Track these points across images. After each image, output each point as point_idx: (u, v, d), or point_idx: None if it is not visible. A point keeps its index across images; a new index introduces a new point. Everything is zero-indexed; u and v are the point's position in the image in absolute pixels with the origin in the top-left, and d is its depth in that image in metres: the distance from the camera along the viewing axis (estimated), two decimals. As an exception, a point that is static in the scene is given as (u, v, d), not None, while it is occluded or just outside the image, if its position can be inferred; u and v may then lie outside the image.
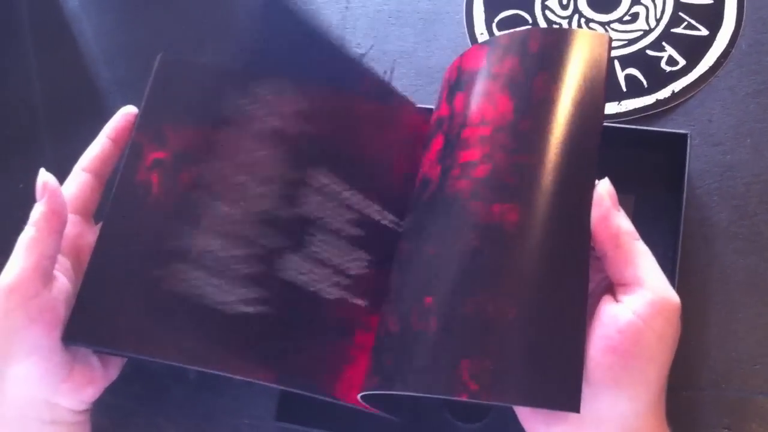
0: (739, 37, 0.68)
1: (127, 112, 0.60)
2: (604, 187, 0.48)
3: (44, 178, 0.53)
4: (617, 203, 0.48)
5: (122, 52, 0.81)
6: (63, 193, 0.54)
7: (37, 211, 0.52)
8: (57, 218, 0.52)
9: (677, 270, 0.58)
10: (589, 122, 0.50)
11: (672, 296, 0.46)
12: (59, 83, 0.81)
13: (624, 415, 0.45)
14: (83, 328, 0.53)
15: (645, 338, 0.44)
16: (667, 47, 0.69)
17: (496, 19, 0.74)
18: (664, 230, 0.62)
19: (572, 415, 0.44)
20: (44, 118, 0.80)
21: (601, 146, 0.65)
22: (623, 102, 0.68)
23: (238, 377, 0.52)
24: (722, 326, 0.61)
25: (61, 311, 0.52)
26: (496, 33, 0.73)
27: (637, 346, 0.44)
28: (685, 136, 0.61)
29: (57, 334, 0.52)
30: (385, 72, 0.74)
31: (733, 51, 0.68)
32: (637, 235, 0.48)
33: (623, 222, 0.47)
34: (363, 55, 0.75)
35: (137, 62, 0.79)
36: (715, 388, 0.59)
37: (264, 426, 0.64)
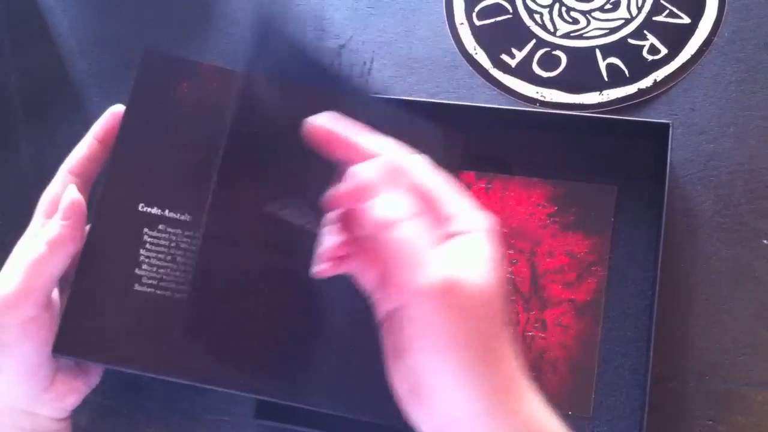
0: (721, 25, 0.68)
1: (115, 112, 0.56)
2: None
3: (74, 197, 0.51)
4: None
5: (99, 44, 0.80)
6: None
7: (54, 231, 0.50)
8: (74, 244, 0.51)
9: (660, 260, 0.58)
10: None
11: (434, 278, 0.39)
12: (35, 75, 0.80)
13: (466, 414, 0.41)
14: (72, 340, 0.51)
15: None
16: (649, 36, 0.68)
17: (476, 9, 0.73)
18: (648, 220, 0.62)
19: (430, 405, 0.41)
20: (20, 111, 0.79)
21: (584, 136, 0.65)
22: (605, 92, 0.67)
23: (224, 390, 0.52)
24: (707, 317, 0.60)
25: (55, 327, 0.51)
26: (476, 23, 0.72)
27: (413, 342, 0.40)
28: (667, 125, 0.60)
29: (48, 349, 0.50)
30: (364, 63, 0.73)
31: (716, 39, 0.67)
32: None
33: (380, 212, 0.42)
34: (342, 46, 0.74)
35: (114, 54, 0.78)
36: (699, 379, 0.59)
37: (244, 424, 0.63)
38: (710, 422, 0.58)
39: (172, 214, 0.55)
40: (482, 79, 0.70)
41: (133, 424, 0.65)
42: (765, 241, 0.61)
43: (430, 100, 0.68)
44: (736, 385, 0.58)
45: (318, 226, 0.48)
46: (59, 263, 0.50)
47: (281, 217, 0.51)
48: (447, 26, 0.73)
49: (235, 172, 0.50)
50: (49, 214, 0.53)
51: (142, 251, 0.54)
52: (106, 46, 0.79)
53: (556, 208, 0.63)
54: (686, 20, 0.68)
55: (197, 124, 0.58)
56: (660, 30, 0.69)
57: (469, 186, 0.65)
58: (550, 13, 0.71)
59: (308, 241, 0.48)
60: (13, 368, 0.50)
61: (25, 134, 0.77)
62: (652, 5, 0.69)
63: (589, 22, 0.70)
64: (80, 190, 0.55)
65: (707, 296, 0.60)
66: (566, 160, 0.65)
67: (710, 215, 0.62)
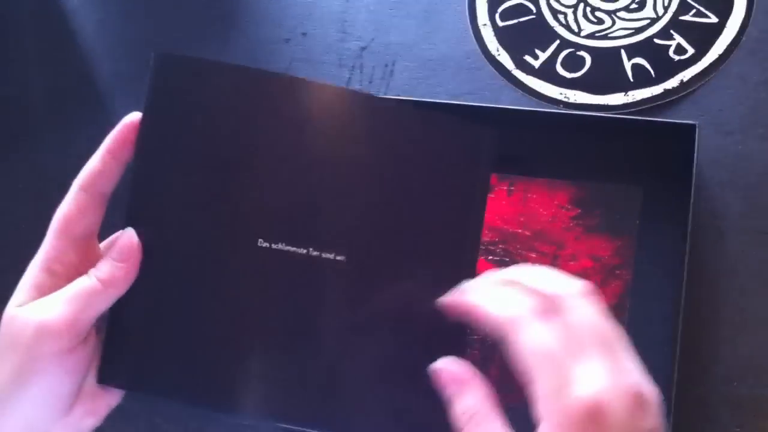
0: (749, 24, 0.66)
1: (130, 121, 0.52)
2: None
3: (132, 240, 0.50)
4: None
5: (123, 46, 0.80)
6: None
7: (108, 270, 0.50)
8: (125, 285, 0.50)
9: (686, 263, 0.56)
10: None
11: (578, 402, 0.40)
12: (59, 78, 0.81)
13: None
14: (118, 371, 0.51)
15: None
16: (676, 35, 0.67)
17: (499, 9, 0.72)
18: (674, 223, 0.60)
19: None
20: (44, 114, 0.79)
21: (608, 138, 0.64)
22: (630, 92, 0.66)
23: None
24: (734, 321, 0.59)
25: (88, 361, 0.50)
26: (499, 24, 0.71)
27: None
28: (693, 126, 0.59)
29: (77, 380, 0.50)
30: (386, 65, 0.72)
31: (744, 38, 0.66)
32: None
33: None
34: (364, 48, 0.73)
35: (138, 56, 0.78)
36: (726, 385, 0.58)
37: (263, 427, 0.63)
38: (738, 429, 0.57)
39: None
40: (505, 81, 0.69)
41: (151, 425, 0.65)
42: (794, 244, 0.60)
43: (453, 101, 0.67)
44: (764, 391, 0.57)
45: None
46: (108, 301, 0.50)
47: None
48: (470, 27, 0.72)
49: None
50: (60, 234, 0.52)
51: None
52: (129, 49, 0.80)
53: (579, 210, 0.62)
54: (714, 20, 0.67)
55: (222, 128, 0.56)
56: (687, 30, 0.67)
57: (491, 188, 0.64)
58: (575, 13, 0.70)
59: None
60: (40, 397, 0.49)
61: (49, 137, 0.78)
62: (679, 4, 0.68)
63: (614, 22, 0.69)
64: (91, 206, 0.52)
65: (734, 300, 0.59)
66: (590, 162, 0.64)
67: (738, 218, 0.61)
